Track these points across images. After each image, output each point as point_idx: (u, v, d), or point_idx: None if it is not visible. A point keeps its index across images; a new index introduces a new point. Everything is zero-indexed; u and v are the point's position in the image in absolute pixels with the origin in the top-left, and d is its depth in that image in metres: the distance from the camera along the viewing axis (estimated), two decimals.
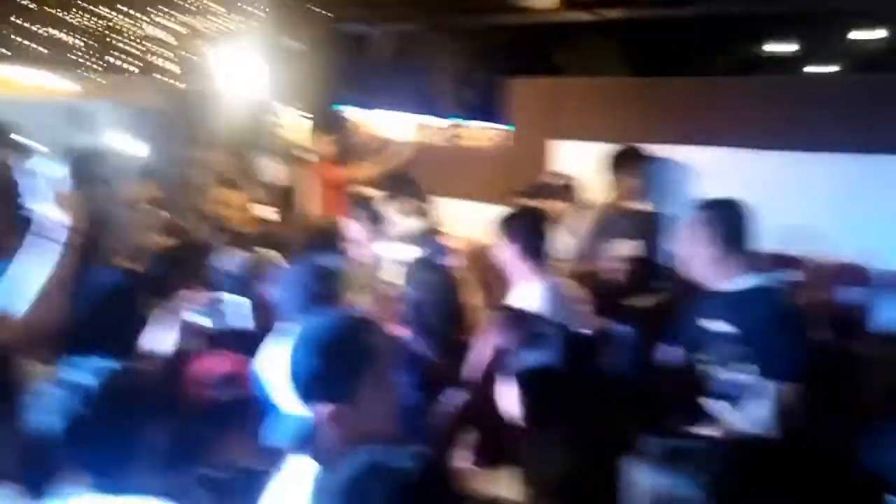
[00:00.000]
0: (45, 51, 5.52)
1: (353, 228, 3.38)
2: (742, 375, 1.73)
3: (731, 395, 1.70)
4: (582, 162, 4.46)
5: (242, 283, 2.48)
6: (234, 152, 6.04)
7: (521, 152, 4.98)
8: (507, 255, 2.84)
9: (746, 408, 1.68)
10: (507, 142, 5.31)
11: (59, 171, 2.17)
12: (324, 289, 2.31)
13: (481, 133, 15.66)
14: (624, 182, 4.10)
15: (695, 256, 2.50)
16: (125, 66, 6.21)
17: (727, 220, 2.46)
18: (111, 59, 6.11)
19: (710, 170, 4.04)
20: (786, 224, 3.70)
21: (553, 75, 5.56)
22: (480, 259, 3.31)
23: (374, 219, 3.44)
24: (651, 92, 4.49)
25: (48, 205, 2.09)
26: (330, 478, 1.23)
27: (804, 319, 2.31)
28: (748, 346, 2.13)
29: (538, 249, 2.85)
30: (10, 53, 5.42)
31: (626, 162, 4.11)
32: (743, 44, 11.62)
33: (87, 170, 3.02)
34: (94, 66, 6.03)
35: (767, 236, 3.53)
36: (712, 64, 10.71)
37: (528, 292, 2.79)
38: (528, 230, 2.86)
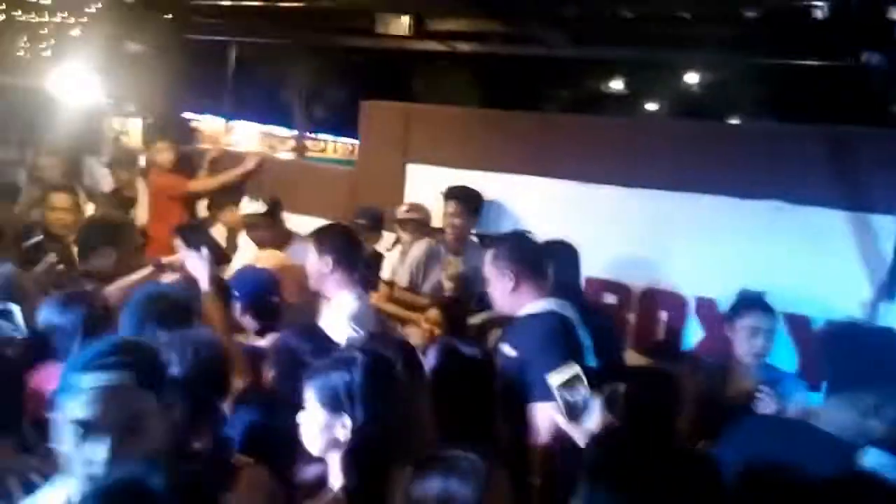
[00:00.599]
0: None
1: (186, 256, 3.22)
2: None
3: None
4: (429, 185, 4.56)
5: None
6: (65, 155, 5.58)
7: (370, 172, 5.01)
8: (318, 267, 2.95)
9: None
10: (358, 160, 5.32)
11: None
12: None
13: (331, 147, 15.52)
14: (453, 211, 4.26)
15: (492, 288, 2.67)
16: None
17: (515, 252, 2.61)
18: None
19: (546, 199, 4.29)
20: (613, 253, 4.01)
21: (406, 100, 5.64)
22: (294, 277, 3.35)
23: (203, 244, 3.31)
24: (498, 123, 4.69)
25: None
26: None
27: (578, 341, 2.49)
28: (527, 369, 2.30)
29: (348, 262, 2.98)
30: None
31: (457, 193, 4.28)
32: (583, 84, 12.51)
33: None
34: None
35: (596, 264, 3.84)
36: (555, 100, 11.44)
37: (338, 305, 2.93)
38: (338, 243, 2.98)
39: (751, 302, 3.12)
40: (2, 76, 6.26)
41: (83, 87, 5.80)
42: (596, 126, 4.63)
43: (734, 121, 10.62)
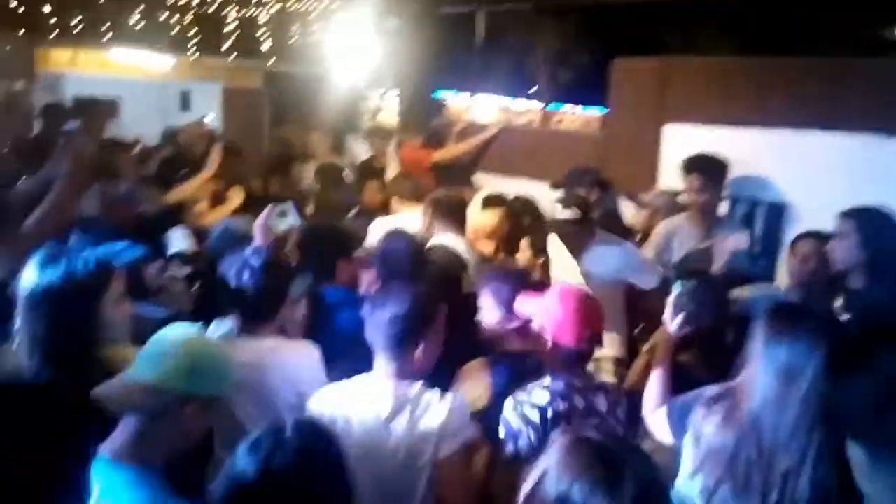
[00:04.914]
0: (146, 32, 5.68)
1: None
2: None
3: None
4: (689, 147, 4.13)
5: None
6: (327, 132, 6.02)
7: (621, 136, 4.70)
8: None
9: None
10: (608, 124, 5.03)
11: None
12: None
13: (579, 117, 15.20)
14: (697, 185, 3.79)
15: None
16: (224, 47, 6.31)
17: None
18: (210, 41, 6.22)
19: (830, 155, 3.66)
20: None
21: (659, 55, 5.16)
22: None
23: None
24: (774, 72, 4.11)
25: None
26: None
27: None
28: None
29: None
30: (112, 35, 5.61)
31: (699, 164, 3.81)
32: (864, 23, 10.72)
33: None
34: (194, 47, 6.18)
35: None
36: (831, 43, 9.90)
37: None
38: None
39: None
40: (279, 64, 6.92)
41: (346, 67, 6.18)
42: (883, 68, 3.87)
43: None
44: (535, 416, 2.06)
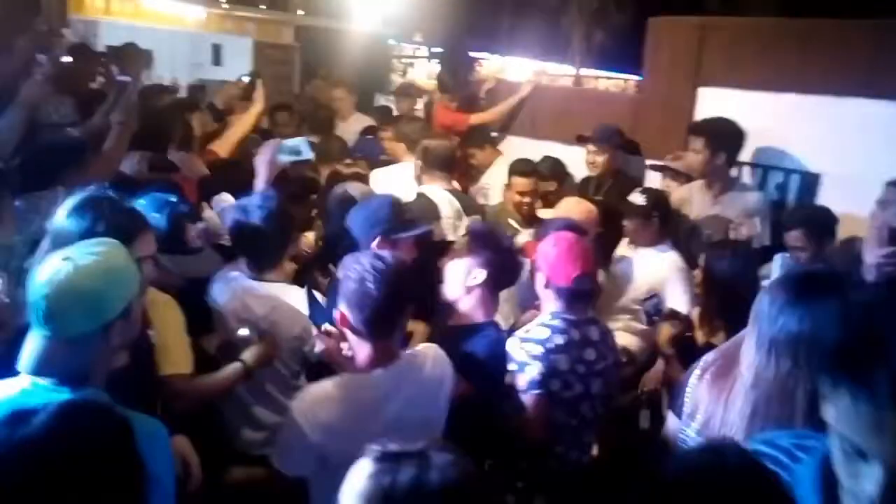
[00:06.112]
0: None
1: None
2: None
3: None
4: (725, 111, 4.01)
5: None
6: (353, 88, 5.96)
7: (656, 97, 4.57)
8: None
9: None
10: (644, 84, 4.90)
11: None
12: None
13: (614, 82, 14.81)
14: (695, 147, 3.74)
15: None
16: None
17: None
18: None
19: (869, 123, 3.53)
20: None
21: (698, 13, 4.99)
22: None
23: None
24: (810, 34, 3.94)
25: None
26: None
27: None
28: None
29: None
30: None
31: (703, 128, 3.77)
32: None
33: None
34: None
35: None
36: (877, 5, 9.47)
37: None
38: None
39: None
40: (310, 18, 6.84)
41: (376, 22, 6.09)
42: None
43: None
44: (538, 351, 2.28)
